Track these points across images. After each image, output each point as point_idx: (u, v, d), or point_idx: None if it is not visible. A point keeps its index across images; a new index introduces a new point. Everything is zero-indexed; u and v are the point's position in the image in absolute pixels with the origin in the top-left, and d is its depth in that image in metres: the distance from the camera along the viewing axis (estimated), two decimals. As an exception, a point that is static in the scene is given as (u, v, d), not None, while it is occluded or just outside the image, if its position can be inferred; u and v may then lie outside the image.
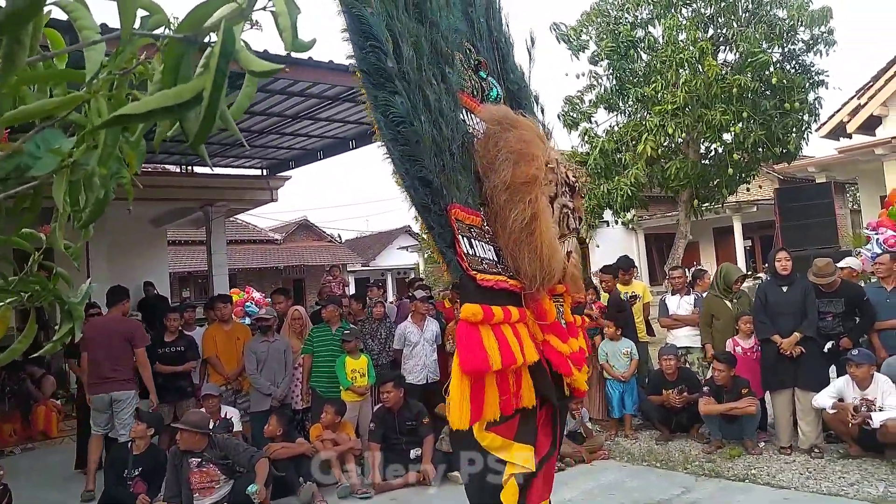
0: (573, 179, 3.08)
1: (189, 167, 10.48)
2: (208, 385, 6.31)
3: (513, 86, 3.64)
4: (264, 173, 11.11)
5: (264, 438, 5.81)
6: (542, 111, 3.78)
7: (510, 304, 2.75)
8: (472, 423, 2.60)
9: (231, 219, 15.74)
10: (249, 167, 11.06)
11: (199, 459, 4.93)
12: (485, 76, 3.29)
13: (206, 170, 10.68)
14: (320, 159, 9.99)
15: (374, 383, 6.51)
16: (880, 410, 5.30)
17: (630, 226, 20.47)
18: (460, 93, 3.02)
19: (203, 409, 5.72)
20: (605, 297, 7.34)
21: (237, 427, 6.00)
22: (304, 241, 28.06)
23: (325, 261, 24.62)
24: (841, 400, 5.50)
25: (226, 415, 6.04)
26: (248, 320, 8.44)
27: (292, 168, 10.74)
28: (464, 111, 3.00)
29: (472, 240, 2.73)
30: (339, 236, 33.47)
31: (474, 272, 2.62)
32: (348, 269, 27.44)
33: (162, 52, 0.85)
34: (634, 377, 6.82)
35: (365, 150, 9.75)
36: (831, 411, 5.51)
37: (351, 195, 70.99)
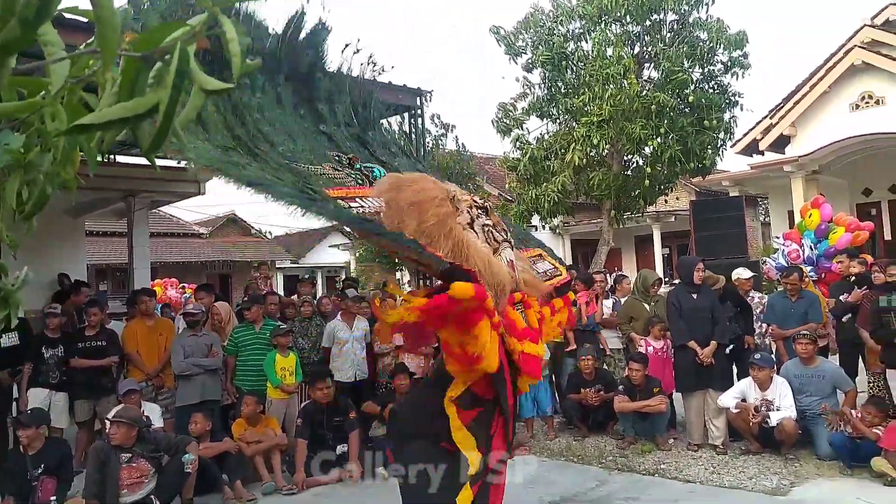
0: (481, 201, 3.39)
1: (111, 156, 10.09)
2: (128, 381, 6.15)
3: (392, 162, 4.11)
4: (192, 165, 10.82)
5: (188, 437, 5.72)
6: (463, 145, 4.44)
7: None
8: (475, 364, 2.83)
9: (154, 210, 15.21)
10: (176, 158, 10.75)
11: (130, 455, 4.83)
12: (360, 167, 3.63)
13: (130, 159, 10.31)
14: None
15: (301, 381, 6.51)
16: (778, 410, 5.75)
17: (557, 231, 21.06)
18: (343, 188, 3.31)
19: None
20: None
21: (157, 424, 5.88)
22: (231, 236, 27.38)
23: (253, 257, 24.13)
24: (744, 400, 5.92)
25: (143, 412, 5.91)
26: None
27: (222, 162, 10.51)
28: (357, 199, 3.26)
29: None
30: (270, 232, 32.82)
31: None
32: (277, 266, 26.97)
33: (119, 68, 0.91)
34: (546, 377, 7.03)
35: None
36: (735, 411, 5.92)
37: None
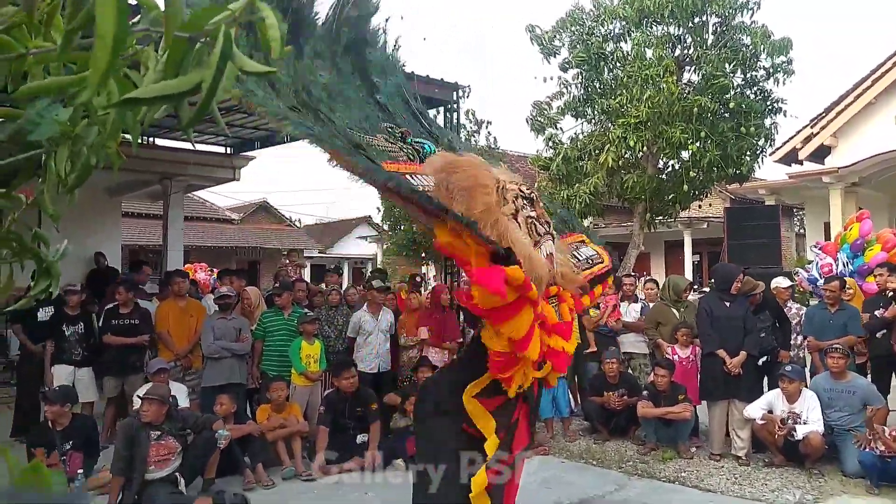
0: (528, 192, 3.36)
1: (151, 139, 10.31)
2: (157, 360, 6.28)
3: (442, 139, 4.13)
4: (228, 151, 11.00)
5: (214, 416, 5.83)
6: (495, 140, 4.43)
7: None
8: (520, 351, 2.89)
9: (188, 194, 15.49)
10: (213, 144, 10.93)
11: (160, 432, 4.93)
12: (411, 141, 3.65)
13: (169, 143, 10.52)
14: (287, 142, 9.96)
15: (325, 369, 6.58)
16: (805, 424, 5.64)
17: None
18: (395, 163, 3.39)
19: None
20: None
21: (184, 404, 6.00)
22: (261, 223, 27.73)
23: (282, 245, 24.39)
24: (770, 412, 5.81)
25: (170, 391, 6.03)
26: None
27: (257, 149, 10.67)
28: (408, 175, 3.33)
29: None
30: (299, 221, 33.16)
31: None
32: (305, 255, 27.25)
33: (166, 47, 0.93)
34: (564, 379, 6.99)
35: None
36: (760, 422, 5.82)
37: (314, 181, 70.16)
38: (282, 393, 6.01)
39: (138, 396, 5.14)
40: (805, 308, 6.72)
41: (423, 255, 16.20)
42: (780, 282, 6.56)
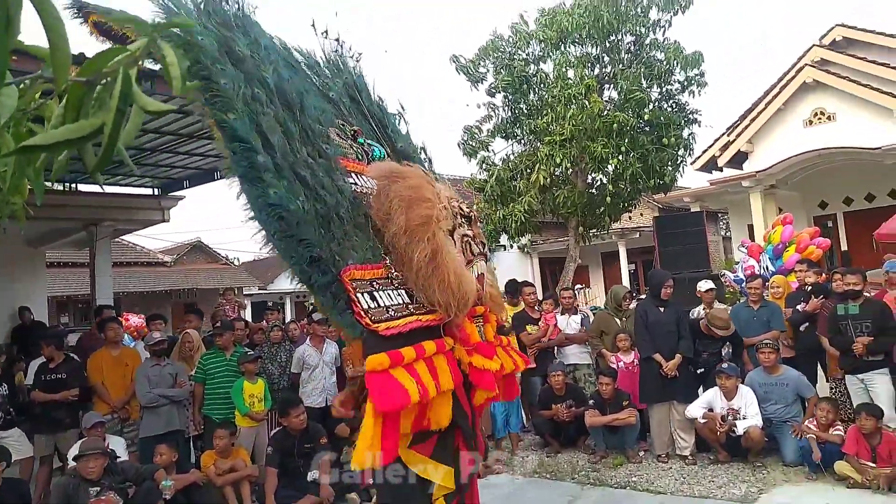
0: (467, 210, 3.34)
1: (72, 185, 9.94)
2: (92, 413, 6.00)
3: (399, 143, 4.03)
4: (156, 192, 10.70)
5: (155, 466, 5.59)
6: (430, 161, 4.25)
7: (426, 339, 2.95)
8: (385, 463, 2.79)
9: (116, 239, 14.95)
10: (140, 186, 10.62)
11: (99, 488, 4.69)
12: (362, 142, 3.57)
13: (92, 188, 10.16)
14: (216, 179, 9.77)
15: (270, 408, 6.43)
16: (744, 419, 5.85)
17: (525, 250, 21.23)
18: (344, 160, 3.28)
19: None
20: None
21: (122, 457, 5.74)
22: (196, 264, 26.96)
23: (220, 284, 23.76)
24: (710, 410, 6.01)
25: (107, 445, 5.77)
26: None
27: (186, 188, 10.42)
28: (353, 175, 3.25)
29: (375, 292, 2.92)
30: (237, 259, 32.42)
31: (377, 325, 2.80)
32: (244, 293, 26.61)
33: (63, 93, 0.93)
34: (521, 396, 7.04)
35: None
36: (702, 421, 6.01)
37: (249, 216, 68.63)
38: (226, 440, 5.82)
39: (73, 458, 4.89)
40: (729, 308, 7.00)
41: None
42: (702, 285, 6.85)
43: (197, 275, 25.18)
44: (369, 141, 3.67)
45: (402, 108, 4.15)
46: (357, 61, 4.16)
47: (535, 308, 7.58)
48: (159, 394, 6.04)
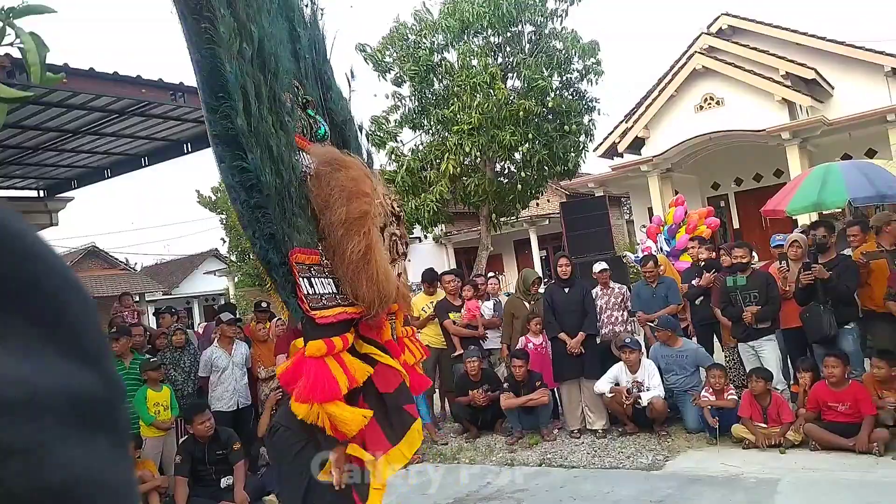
0: (398, 209, 3.37)
1: (-56, 190, 9.12)
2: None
3: (338, 117, 3.84)
4: (41, 195, 9.98)
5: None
6: (368, 139, 4.10)
7: (344, 332, 2.97)
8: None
9: (1, 248, 13.81)
10: (23, 188, 9.87)
11: None
12: (312, 114, 3.44)
13: (-32, 193, 9.36)
14: (108, 178, 9.21)
15: (177, 416, 6.17)
16: (648, 391, 6.14)
17: (440, 241, 21.39)
18: (296, 134, 3.18)
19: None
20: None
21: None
22: (92, 270, 25.44)
23: (119, 291, 22.52)
24: (617, 384, 6.27)
25: None
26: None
27: (75, 188, 9.77)
28: (299, 152, 3.15)
29: (312, 278, 2.91)
30: (138, 263, 30.87)
31: (314, 312, 2.81)
32: (147, 299, 25.37)
33: None
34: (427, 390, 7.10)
35: (160, 167, 9.18)
36: (609, 395, 6.26)
37: (148, 217, 65.44)
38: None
39: None
40: (625, 287, 7.34)
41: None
42: (596, 267, 7.19)
43: (93, 282, 23.73)
44: (318, 116, 3.52)
45: (352, 75, 3.92)
46: (320, 17, 3.88)
47: (458, 296, 7.62)
48: None
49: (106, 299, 22.62)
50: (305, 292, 2.82)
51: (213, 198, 22.59)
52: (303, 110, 3.39)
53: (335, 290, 3.04)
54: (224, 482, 5.63)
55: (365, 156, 3.95)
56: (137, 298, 19.65)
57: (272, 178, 2.77)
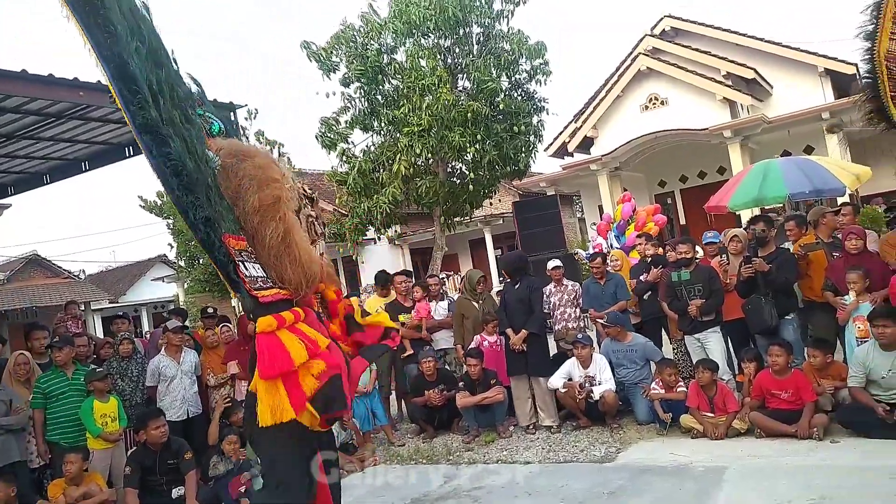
0: (310, 191, 3.46)
1: None
2: None
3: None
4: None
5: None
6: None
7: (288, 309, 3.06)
8: (299, 411, 2.86)
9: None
10: (-45, 196, 9.44)
11: None
12: (202, 112, 3.46)
13: None
14: (47, 184, 8.89)
15: (126, 426, 6.00)
16: (599, 385, 6.26)
17: (395, 242, 21.32)
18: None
19: None
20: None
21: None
22: (34, 280, 24.47)
23: (64, 300, 21.72)
24: (570, 379, 6.37)
25: None
26: None
27: (12, 195, 9.40)
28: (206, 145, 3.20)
29: (245, 262, 3.01)
30: (83, 271, 29.83)
31: (256, 292, 2.94)
32: (93, 308, 24.56)
33: None
34: (377, 388, 7.08)
35: (102, 172, 8.91)
36: (563, 390, 6.35)
37: (92, 224, 63.32)
38: (77, 465, 5.35)
39: None
40: (578, 284, 7.47)
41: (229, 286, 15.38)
42: (549, 264, 7.32)
43: (35, 291, 22.82)
44: (210, 114, 3.53)
45: (197, 83, 3.83)
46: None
47: (408, 297, 7.62)
48: None
49: (50, 309, 21.83)
50: (246, 274, 2.93)
51: (159, 202, 21.99)
52: (193, 110, 3.40)
53: (265, 274, 3.11)
54: (175, 493, 5.50)
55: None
56: (83, 307, 19.00)
57: (193, 166, 2.85)
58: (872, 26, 3.93)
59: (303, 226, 3.27)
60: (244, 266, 2.96)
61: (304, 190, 3.41)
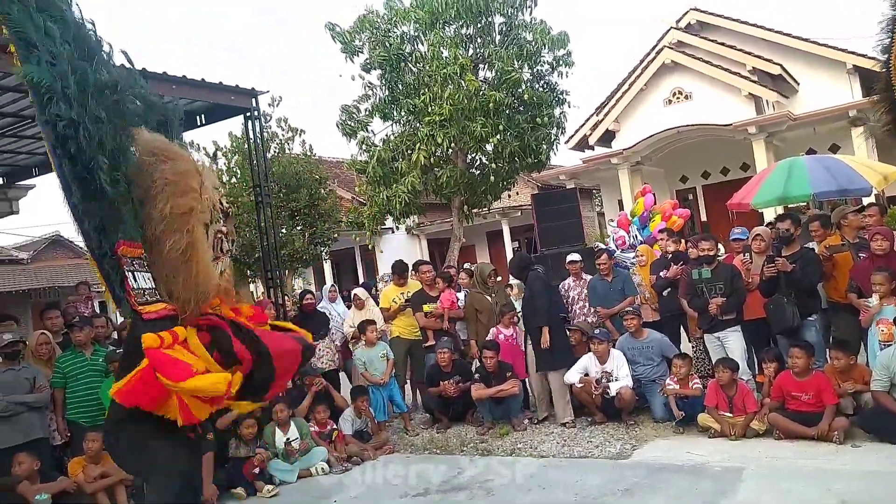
0: (226, 206, 3.24)
1: None
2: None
3: (150, 101, 3.64)
4: (0, 182, 9.70)
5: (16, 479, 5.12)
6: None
7: (172, 326, 2.88)
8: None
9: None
10: (-19, 176, 9.58)
11: None
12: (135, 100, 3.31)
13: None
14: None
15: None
16: (616, 381, 6.22)
17: (413, 231, 21.35)
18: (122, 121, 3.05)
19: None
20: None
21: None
22: (57, 260, 24.84)
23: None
24: (587, 375, 6.34)
25: None
26: None
27: (36, 175, 9.52)
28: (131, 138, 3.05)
29: (136, 272, 2.85)
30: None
31: (140, 307, 2.80)
32: (114, 288, 24.81)
33: None
34: (392, 378, 7.09)
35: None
36: (579, 385, 6.32)
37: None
38: (97, 443, 5.43)
39: None
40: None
41: (248, 271, 15.52)
42: (568, 258, 7.27)
43: (58, 271, 23.18)
44: (137, 101, 3.36)
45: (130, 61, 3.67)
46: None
47: (434, 286, 7.59)
48: (14, 401, 5.50)
49: (70, 289, 22.13)
50: (132, 286, 2.80)
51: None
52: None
53: (154, 285, 2.96)
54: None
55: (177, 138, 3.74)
56: (103, 288, 19.22)
57: (105, 166, 2.72)
58: (889, 39, 3.86)
59: (209, 241, 3.08)
60: (133, 277, 2.83)
61: (221, 204, 3.19)
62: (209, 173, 3.19)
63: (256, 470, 5.74)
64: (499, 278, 7.68)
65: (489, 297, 7.20)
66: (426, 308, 7.33)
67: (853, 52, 16.07)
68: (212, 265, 3.03)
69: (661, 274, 6.96)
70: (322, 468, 5.94)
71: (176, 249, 2.89)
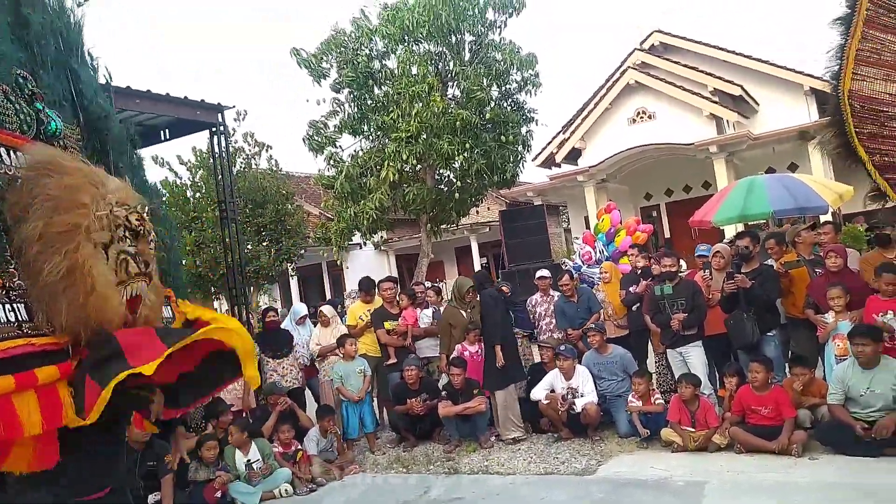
0: (136, 224, 2.88)
1: None
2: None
3: (92, 114, 3.46)
4: None
5: None
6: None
7: (46, 364, 2.51)
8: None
9: None
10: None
11: None
12: (41, 107, 3.06)
13: None
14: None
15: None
16: (581, 397, 6.27)
17: (381, 248, 21.30)
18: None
19: None
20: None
21: None
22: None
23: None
24: (553, 391, 6.37)
25: None
26: None
27: None
28: (2, 150, 2.75)
29: None
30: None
31: None
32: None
33: None
34: (368, 394, 7.04)
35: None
36: (545, 402, 6.35)
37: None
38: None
39: None
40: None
41: (213, 288, 15.27)
42: (537, 274, 7.35)
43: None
44: (48, 110, 3.10)
45: (109, 76, 3.52)
46: (80, 5, 3.45)
47: (394, 303, 7.55)
48: None
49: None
50: None
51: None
52: (28, 104, 3.01)
53: (24, 318, 2.59)
54: (152, 498, 5.42)
55: (129, 152, 3.48)
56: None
57: None
58: (837, 66, 4.03)
59: (109, 263, 2.72)
60: None
61: (128, 221, 2.81)
62: (120, 189, 2.85)
63: (218, 494, 5.61)
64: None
65: (464, 313, 7.17)
66: (387, 325, 7.28)
67: (810, 75, 16.64)
68: (113, 290, 2.68)
69: (631, 289, 7.05)
70: (286, 490, 5.84)
71: (54, 273, 2.52)
